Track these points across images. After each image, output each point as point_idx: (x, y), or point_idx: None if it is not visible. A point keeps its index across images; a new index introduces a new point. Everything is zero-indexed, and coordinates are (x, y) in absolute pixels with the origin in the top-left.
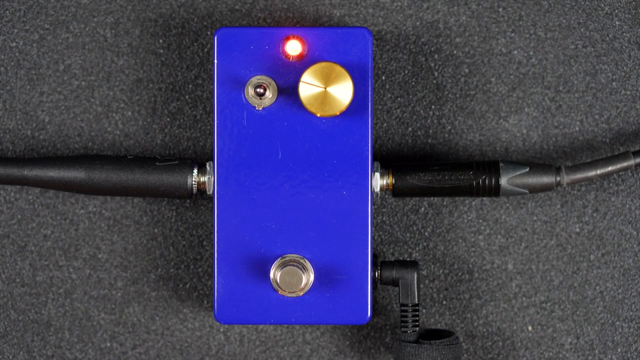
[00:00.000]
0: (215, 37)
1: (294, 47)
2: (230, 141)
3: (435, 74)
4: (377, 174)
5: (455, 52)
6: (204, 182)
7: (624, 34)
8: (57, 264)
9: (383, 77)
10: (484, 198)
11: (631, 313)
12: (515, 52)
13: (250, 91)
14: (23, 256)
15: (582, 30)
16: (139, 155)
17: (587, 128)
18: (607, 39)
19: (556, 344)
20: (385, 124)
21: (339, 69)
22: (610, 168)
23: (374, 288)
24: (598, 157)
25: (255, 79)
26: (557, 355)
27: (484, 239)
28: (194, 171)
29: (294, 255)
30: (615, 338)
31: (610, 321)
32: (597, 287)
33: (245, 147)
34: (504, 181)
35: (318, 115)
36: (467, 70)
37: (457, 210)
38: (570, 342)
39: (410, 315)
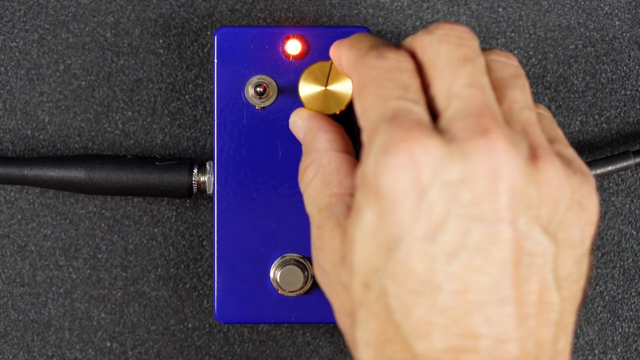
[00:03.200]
0: (215, 37)
1: (294, 47)
2: (230, 141)
3: None
4: None
5: None
6: (203, 182)
7: (624, 34)
8: (57, 264)
9: None
10: None
11: (631, 313)
12: (515, 52)
13: (250, 91)
14: (23, 256)
15: (582, 30)
16: (138, 155)
17: (587, 128)
18: (607, 39)
19: None
20: None
21: None
22: (610, 167)
23: None
24: (598, 156)
25: (255, 79)
26: None
27: None
28: (194, 171)
29: (294, 254)
30: (615, 338)
31: (610, 321)
32: (597, 287)
33: (245, 146)
34: None
35: None
36: None
37: None
38: None
39: None
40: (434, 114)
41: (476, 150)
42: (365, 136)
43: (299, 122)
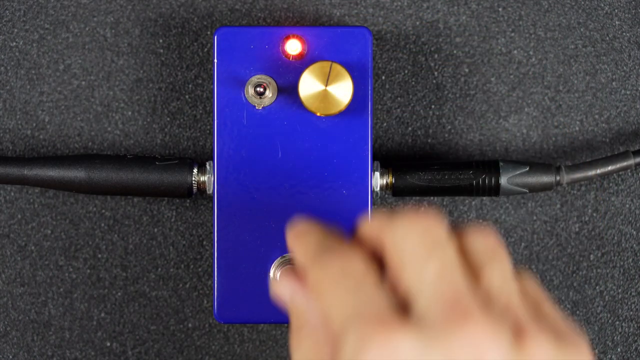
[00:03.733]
0: (215, 37)
1: (293, 47)
2: (230, 141)
3: (435, 73)
4: (377, 174)
5: (455, 51)
6: (203, 182)
7: (624, 33)
8: (57, 264)
9: (383, 77)
10: (484, 198)
11: (631, 313)
12: (515, 51)
13: (250, 90)
14: (23, 256)
15: (582, 30)
16: (138, 154)
17: (587, 128)
18: (607, 38)
19: None
20: (385, 124)
21: (338, 68)
22: (610, 167)
23: None
24: (598, 156)
25: (255, 79)
26: None
27: None
28: (194, 170)
29: None
30: (615, 338)
31: (609, 321)
32: (597, 287)
33: (245, 146)
34: (503, 180)
35: (318, 114)
36: (467, 70)
37: (457, 210)
38: None
39: None
40: (402, 300)
41: (456, 336)
42: (335, 335)
43: (285, 290)
